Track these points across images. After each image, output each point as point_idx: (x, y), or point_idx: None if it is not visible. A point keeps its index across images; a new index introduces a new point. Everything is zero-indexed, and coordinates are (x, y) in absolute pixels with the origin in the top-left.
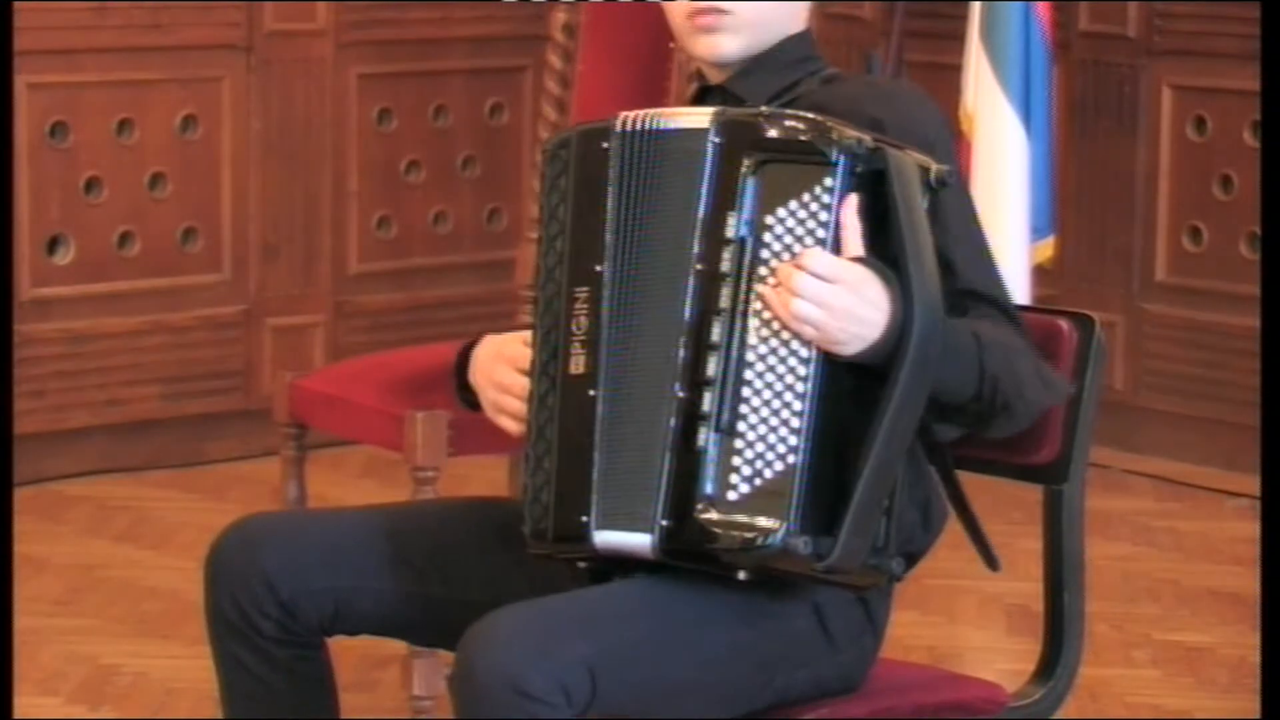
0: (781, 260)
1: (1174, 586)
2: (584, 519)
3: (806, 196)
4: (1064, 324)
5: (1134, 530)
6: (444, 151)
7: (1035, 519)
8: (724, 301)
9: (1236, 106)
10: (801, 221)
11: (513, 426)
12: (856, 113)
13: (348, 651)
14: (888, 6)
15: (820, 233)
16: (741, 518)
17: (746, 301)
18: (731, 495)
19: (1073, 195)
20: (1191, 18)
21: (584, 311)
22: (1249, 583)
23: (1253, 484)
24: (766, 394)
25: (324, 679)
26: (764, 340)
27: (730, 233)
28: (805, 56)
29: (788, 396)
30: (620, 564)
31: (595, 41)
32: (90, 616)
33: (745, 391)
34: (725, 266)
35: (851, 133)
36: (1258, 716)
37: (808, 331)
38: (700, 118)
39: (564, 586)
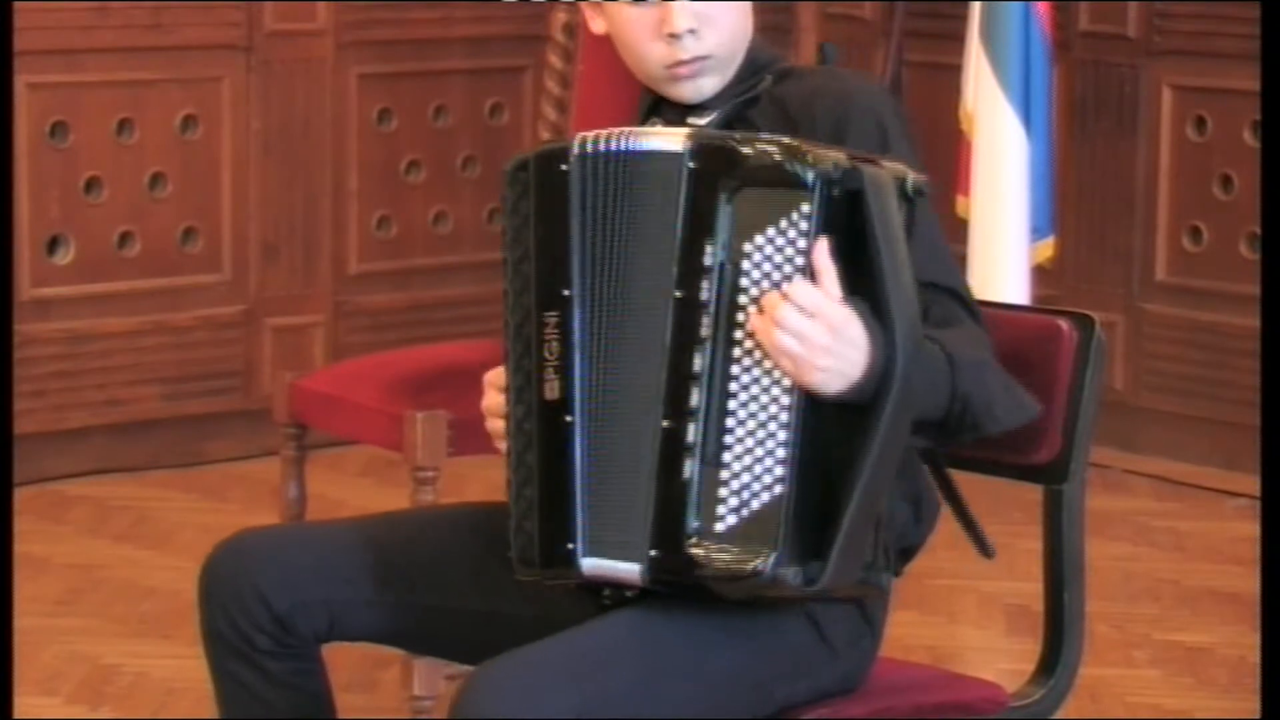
0: (761, 289)
1: (1174, 586)
2: (570, 546)
3: (784, 223)
4: (1064, 324)
5: (1134, 530)
6: (444, 151)
7: (1035, 519)
8: (704, 330)
9: (1236, 106)
10: (780, 249)
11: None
12: (813, 107)
13: (348, 651)
14: (888, 6)
15: (799, 260)
16: (730, 549)
17: (728, 330)
18: (719, 526)
19: (1073, 195)
20: (1191, 18)
21: (555, 336)
22: (1249, 583)
23: (1253, 484)
24: (751, 424)
25: (320, 692)
26: (746, 370)
27: (708, 260)
28: (759, 59)
29: (772, 426)
30: (612, 583)
31: (595, 41)
32: (90, 616)
33: (729, 422)
34: (704, 295)
35: (827, 153)
36: (1258, 716)
37: (784, 364)
38: (673, 139)
39: (557, 593)
